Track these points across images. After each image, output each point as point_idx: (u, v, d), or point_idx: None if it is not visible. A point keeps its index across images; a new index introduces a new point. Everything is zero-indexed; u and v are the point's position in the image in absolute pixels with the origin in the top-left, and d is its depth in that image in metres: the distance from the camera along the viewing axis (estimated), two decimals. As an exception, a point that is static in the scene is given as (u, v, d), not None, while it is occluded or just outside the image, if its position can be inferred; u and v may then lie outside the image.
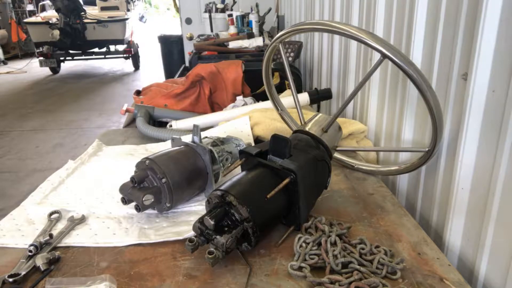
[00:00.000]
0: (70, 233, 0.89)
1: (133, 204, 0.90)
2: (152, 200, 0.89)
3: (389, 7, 1.22)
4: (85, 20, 8.23)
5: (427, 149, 0.94)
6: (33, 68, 9.61)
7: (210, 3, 4.22)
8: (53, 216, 0.95)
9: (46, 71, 9.20)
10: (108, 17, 8.70)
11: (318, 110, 2.00)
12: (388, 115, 1.27)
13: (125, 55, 9.12)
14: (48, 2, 9.40)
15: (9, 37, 11.11)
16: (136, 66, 9.50)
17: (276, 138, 0.88)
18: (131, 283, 0.74)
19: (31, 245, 0.81)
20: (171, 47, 5.79)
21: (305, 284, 0.72)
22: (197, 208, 1.00)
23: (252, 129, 1.37)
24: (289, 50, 2.48)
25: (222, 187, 0.79)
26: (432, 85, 0.96)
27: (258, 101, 1.76)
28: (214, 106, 1.84)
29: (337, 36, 1.82)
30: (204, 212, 0.81)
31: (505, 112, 0.73)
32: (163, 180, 0.91)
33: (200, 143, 1.01)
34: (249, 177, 0.84)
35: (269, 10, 3.85)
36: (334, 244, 0.78)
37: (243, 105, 1.71)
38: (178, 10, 5.71)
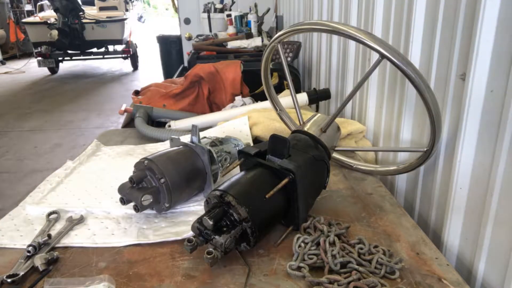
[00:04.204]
0: (68, 234, 0.89)
1: (132, 204, 0.90)
2: (151, 200, 0.89)
3: (388, 7, 1.22)
4: (84, 20, 8.22)
5: (425, 149, 0.94)
6: (31, 68, 9.59)
7: (208, 3, 4.23)
8: (52, 216, 0.95)
9: (45, 71, 9.18)
10: (107, 17, 8.69)
11: (317, 110, 2.00)
12: (386, 115, 1.27)
13: (123, 55, 9.10)
14: (47, 2, 9.39)
15: (7, 37, 11.08)
16: (135, 66, 9.48)
17: (275, 138, 0.88)
18: (130, 283, 0.74)
19: (29, 245, 0.81)
20: (169, 47, 5.80)
21: (304, 284, 0.72)
22: (196, 208, 1.00)
23: (251, 129, 1.37)
24: (288, 50, 2.48)
25: (221, 187, 0.79)
26: (431, 85, 0.96)
27: (257, 101, 1.76)
28: (213, 106, 1.84)
29: (335, 36, 1.82)
30: (203, 212, 0.81)
31: (503, 112, 0.73)
32: (162, 180, 0.91)
33: (198, 143, 1.01)
34: (248, 177, 0.84)
35: (268, 10, 3.85)
36: (332, 244, 0.78)
37: (242, 105, 1.71)
38: (176, 10, 5.71)
